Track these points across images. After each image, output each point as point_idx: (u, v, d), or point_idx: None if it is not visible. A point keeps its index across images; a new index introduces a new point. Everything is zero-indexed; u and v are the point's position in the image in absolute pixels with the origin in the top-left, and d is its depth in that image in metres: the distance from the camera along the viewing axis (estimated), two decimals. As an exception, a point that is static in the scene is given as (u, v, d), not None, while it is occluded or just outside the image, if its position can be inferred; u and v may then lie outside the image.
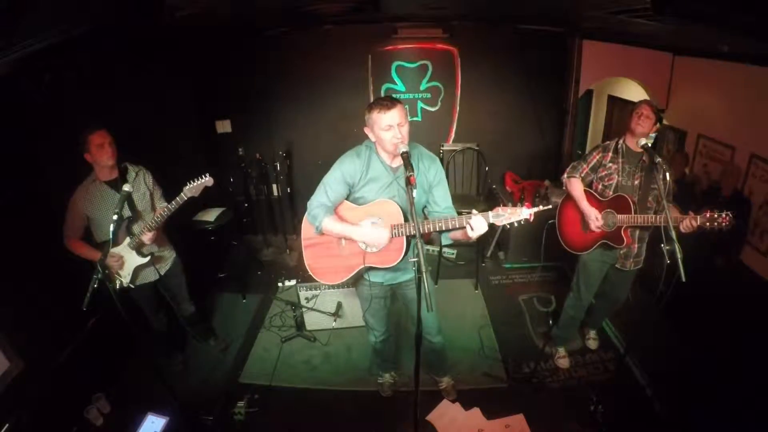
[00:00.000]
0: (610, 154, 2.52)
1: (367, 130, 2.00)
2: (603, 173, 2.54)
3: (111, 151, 2.40)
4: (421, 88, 4.49)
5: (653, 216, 2.32)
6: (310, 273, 2.20)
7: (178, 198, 2.36)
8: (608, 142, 2.58)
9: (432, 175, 2.07)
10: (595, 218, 2.48)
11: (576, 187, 2.57)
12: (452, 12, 3.72)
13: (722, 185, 3.37)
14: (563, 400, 2.76)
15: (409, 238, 2.02)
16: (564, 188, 2.67)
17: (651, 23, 2.51)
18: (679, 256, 1.92)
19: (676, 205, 2.36)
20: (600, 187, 2.57)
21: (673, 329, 3.18)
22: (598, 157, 2.56)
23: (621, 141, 2.51)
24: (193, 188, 2.34)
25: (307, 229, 2.16)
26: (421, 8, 3.37)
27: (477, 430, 2.60)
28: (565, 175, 2.65)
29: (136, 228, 2.53)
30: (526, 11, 3.39)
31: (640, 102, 2.43)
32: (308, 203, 2.09)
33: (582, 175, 2.60)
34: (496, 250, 4.44)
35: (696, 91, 3.99)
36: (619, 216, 2.42)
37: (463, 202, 4.14)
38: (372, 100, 2.04)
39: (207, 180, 2.36)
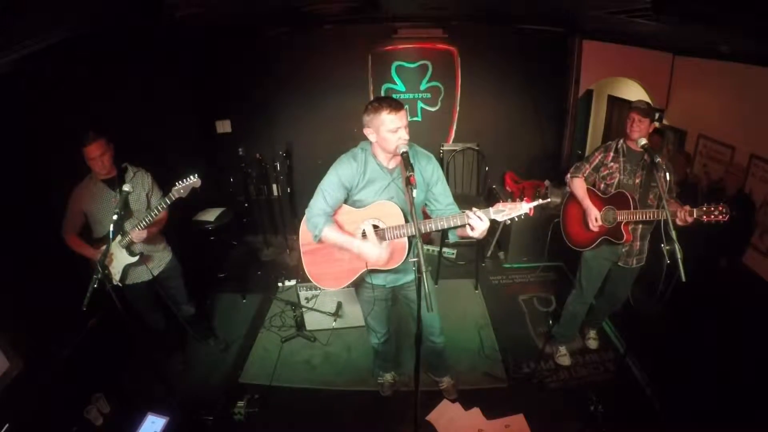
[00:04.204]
0: (612, 153, 2.59)
1: (368, 132, 1.93)
2: (605, 172, 2.61)
3: (104, 162, 2.39)
4: (421, 88, 4.48)
5: (651, 211, 2.38)
6: (311, 279, 2.16)
7: (165, 198, 2.36)
8: (610, 142, 2.65)
9: (429, 173, 2.05)
10: (594, 218, 2.55)
11: (578, 186, 2.66)
12: (452, 12, 3.73)
13: (726, 186, 3.35)
14: (563, 400, 2.76)
15: (411, 239, 2.01)
16: (567, 188, 2.75)
17: (651, 23, 2.51)
18: (679, 256, 1.92)
19: (678, 201, 2.39)
20: (603, 185, 2.64)
21: (673, 329, 3.18)
22: (600, 156, 2.64)
23: (621, 141, 2.57)
24: (180, 189, 2.35)
25: (305, 235, 2.12)
26: (420, 8, 3.37)
27: (477, 430, 2.60)
28: (569, 175, 2.73)
29: (127, 226, 2.52)
30: (527, 11, 3.39)
31: (630, 109, 2.49)
32: (307, 210, 2.04)
33: (585, 174, 2.67)
34: (496, 250, 4.44)
35: (696, 91, 3.99)
36: (618, 211, 2.48)
37: (463, 201, 4.11)
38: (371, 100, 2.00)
39: (194, 181, 2.35)
